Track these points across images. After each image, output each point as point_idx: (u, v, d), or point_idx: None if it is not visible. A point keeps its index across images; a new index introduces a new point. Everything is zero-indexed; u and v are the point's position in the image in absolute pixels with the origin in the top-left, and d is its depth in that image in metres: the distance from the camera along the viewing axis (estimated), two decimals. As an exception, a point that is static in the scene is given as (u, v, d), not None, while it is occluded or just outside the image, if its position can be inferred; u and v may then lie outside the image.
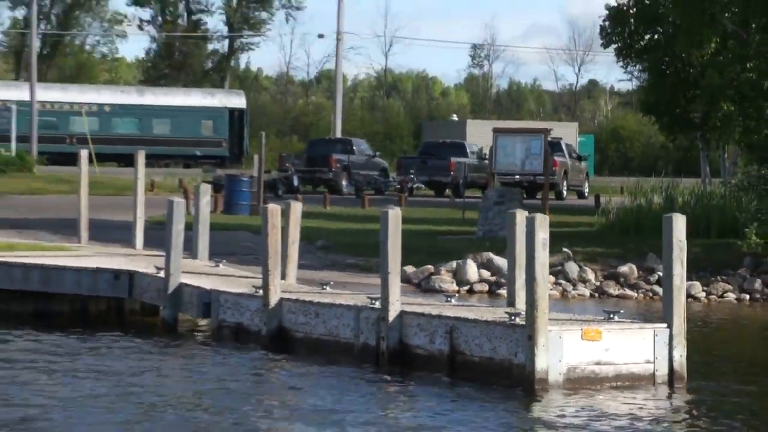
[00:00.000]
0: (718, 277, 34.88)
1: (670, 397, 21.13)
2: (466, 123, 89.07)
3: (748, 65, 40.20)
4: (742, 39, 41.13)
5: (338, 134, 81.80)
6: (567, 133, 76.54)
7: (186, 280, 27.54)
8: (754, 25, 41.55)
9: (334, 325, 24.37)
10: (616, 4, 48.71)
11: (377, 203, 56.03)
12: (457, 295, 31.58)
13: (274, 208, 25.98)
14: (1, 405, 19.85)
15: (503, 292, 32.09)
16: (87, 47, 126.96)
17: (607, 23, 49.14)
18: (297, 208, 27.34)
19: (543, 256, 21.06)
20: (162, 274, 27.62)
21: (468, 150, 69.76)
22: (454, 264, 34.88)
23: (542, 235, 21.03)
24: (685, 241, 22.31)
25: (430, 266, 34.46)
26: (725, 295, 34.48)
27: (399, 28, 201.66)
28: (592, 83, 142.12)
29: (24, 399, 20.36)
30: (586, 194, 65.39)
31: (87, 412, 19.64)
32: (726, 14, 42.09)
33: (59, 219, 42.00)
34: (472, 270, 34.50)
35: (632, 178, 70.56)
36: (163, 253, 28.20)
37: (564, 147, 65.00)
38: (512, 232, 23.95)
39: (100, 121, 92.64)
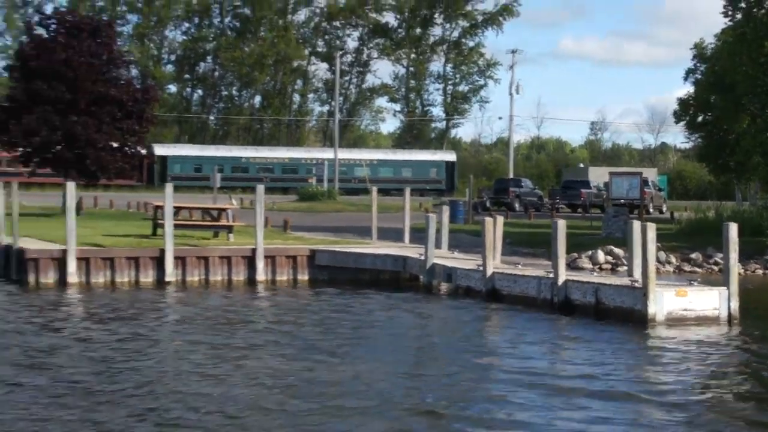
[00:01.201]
0: (751, 260, 34.39)
1: (728, 330, 21.19)
2: (588, 169, 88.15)
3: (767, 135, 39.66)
4: (764, 118, 40.46)
5: (511, 175, 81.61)
6: (650, 174, 75.51)
7: (436, 261, 27.74)
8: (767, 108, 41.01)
9: (524, 287, 24.65)
10: (684, 97, 48.11)
11: (537, 216, 56.21)
12: (596, 270, 31.88)
13: (488, 220, 26.39)
14: (351, 327, 20.78)
15: (620, 269, 32.32)
16: (362, 126, 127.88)
17: (678, 108, 48.50)
18: (500, 219, 27.73)
19: (652, 247, 21.36)
20: (422, 257, 27.85)
21: (591, 185, 69.37)
22: (589, 252, 34.73)
23: (651, 234, 21.43)
24: (736, 237, 22.40)
25: (574, 254, 34.16)
26: (756, 270, 34.18)
27: (546, 111, 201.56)
28: (664, 144, 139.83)
29: (356, 324, 21.25)
30: (664, 211, 64.34)
31: (392, 325, 20.80)
32: (752, 104, 41.48)
33: (355, 226, 42.30)
34: (600, 256, 34.36)
35: (691, 202, 69.98)
36: (422, 246, 28.42)
37: (650, 183, 64.37)
38: (631, 233, 24.19)
39: (371, 170, 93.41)
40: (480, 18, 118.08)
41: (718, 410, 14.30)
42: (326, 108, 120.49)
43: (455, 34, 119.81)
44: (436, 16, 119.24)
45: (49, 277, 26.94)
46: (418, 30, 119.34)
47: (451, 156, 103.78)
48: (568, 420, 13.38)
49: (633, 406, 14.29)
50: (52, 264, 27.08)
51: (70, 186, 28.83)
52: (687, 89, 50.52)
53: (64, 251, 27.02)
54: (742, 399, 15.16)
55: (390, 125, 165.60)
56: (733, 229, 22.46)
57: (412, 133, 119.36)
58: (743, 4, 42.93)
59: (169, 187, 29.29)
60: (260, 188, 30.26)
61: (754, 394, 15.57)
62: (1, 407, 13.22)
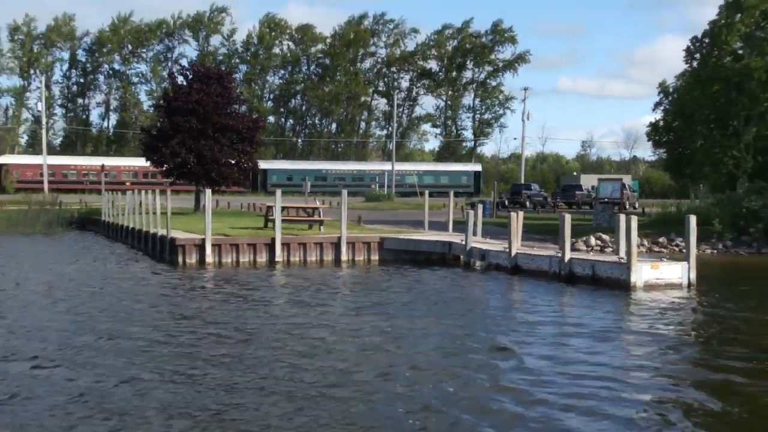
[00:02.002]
0: (702, 243, 34.01)
1: (689, 293, 21.29)
2: (580, 176, 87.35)
3: (716, 150, 39.50)
4: (712, 139, 40.33)
5: (523, 181, 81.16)
6: (627, 180, 74.54)
7: (473, 245, 27.86)
8: (714, 131, 40.73)
9: (539, 264, 24.76)
10: (653, 122, 47.92)
11: (543, 212, 56.36)
12: (589, 251, 32.01)
13: (513, 215, 26.29)
14: (415, 292, 20.89)
15: (607, 250, 32.19)
16: (411, 145, 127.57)
17: (649, 130, 48.32)
18: (521, 214, 27.45)
19: (634, 233, 21.60)
20: (463, 242, 28.02)
21: (582, 188, 68.99)
22: (584, 238, 34.79)
23: (634, 224, 21.64)
24: (695, 226, 22.63)
25: (573, 239, 33.76)
26: (705, 251, 33.83)
27: (549, 133, 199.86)
28: (635, 157, 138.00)
29: (419, 289, 21.16)
30: (637, 207, 63.59)
31: (445, 291, 20.50)
32: (704, 128, 41.29)
33: (409, 220, 42.54)
34: (592, 240, 34.41)
35: (656, 200, 69.39)
36: (462, 234, 28.67)
37: (627, 186, 63.55)
38: (618, 223, 24.14)
39: (418, 178, 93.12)
40: (501, 64, 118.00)
41: (679, 345, 14.76)
42: (384, 132, 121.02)
43: (482, 76, 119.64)
44: (468, 63, 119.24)
45: (192, 258, 27.58)
46: (454, 73, 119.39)
47: (477, 167, 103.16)
48: (561, 352, 13.92)
49: (612, 344, 14.73)
50: (194, 249, 27.78)
51: (208, 192, 29.45)
52: (655, 116, 50.53)
53: (203, 239, 27.69)
54: (696, 337, 15.69)
55: (432, 144, 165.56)
56: (693, 219, 22.79)
57: (449, 150, 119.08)
58: (698, 55, 43.14)
59: (278, 192, 29.84)
60: (344, 193, 30.47)
61: (705, 333, 16.08)
62: (163, 342, 14.13)
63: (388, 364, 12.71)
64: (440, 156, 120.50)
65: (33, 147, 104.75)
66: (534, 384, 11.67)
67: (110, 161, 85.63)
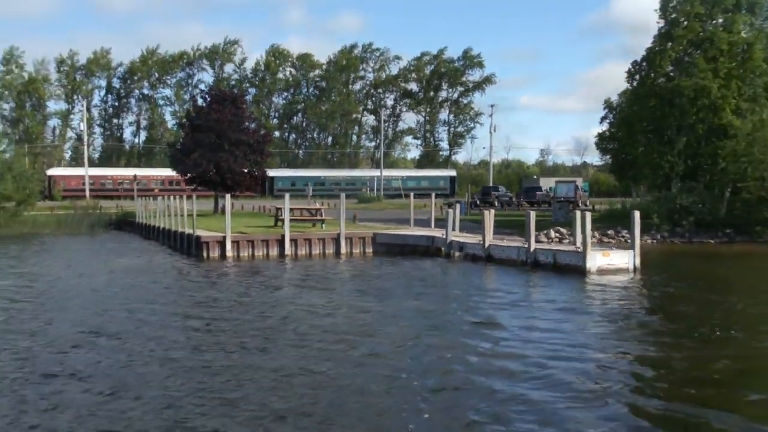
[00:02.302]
0: (643, 234, 34.10)
1: (634, 276, 21.32)
2: (540, 179, 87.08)
3: (654, 155, 39.57)
4: (650, 147, 40.39)
5: (491, 184, 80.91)
6: (579, 181, 74.31)
7: (453, 238, 27.76)
8: (652, 140, 40.71)
9: (509, 253, 24.72)
10: (600, 132, 47.96)
11: (510, 210, 56.13)
12: (549, 242, 32.00)
13: (486, 212, 26.36)
14: (405, 278, 20.92)
15: (564, 241, 31.90)
16: (396, 155, 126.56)
17: (597, 139, 48.40)
18: (492, 212, 27.33)
19: (588, 226, 21.66)
20: (444, 236, 27.95)
21: (542, 189, 68.74)
22: (545, 231, 34.55)
23: (588, 218, 21.69)
24: (639, 220, 22.68)
25: (536, 232, 33.94)
26: (646, 241, 33.64)
27: (511, 142, 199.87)
28: (585, 162, 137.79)
29: (408, 276, 21.21)
30: (588, 204, 63.53)
31: (429, 277, 20.53)
32: (643, 137, 41.25)
33: (396, 218, 42.25)
34: (552, 233, 34.21)
35: (604, 199, 69.37)
36: (443, 229, 28.72)
37: (579, 187, 63.56)
38: (575, 218, 24.10)
39: (402, 182, 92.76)
40: (471, 85, 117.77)
41: (632, 317, 14.92)
42: (373, 143, 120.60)
43: (455, 95, 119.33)
44: (443, 84, 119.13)
45: (215, 253, 27.47)
46: (432, 93, 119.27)
47: (452, 172, 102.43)
48: (537, 323, 14.06)
49: (577, 317, 14.89)
50: (217, 245, 27.68)
51: (228, 197, 29.41)
52: (602, 128, 50.07)
53: (224, 236, 27.60)
54: (645, 310, 15.77)
55: (413, 153, 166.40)
56: (637, 214, 22.89)
57: (428, 158, 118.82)
58: (637, 76, 43.34)
59: (287, 196, 29.75)
60: (342, 196, 30.47)
61: (652, 307, 16.17)
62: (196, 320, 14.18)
63: (397, 337, 12.83)
64: (420, 163, 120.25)
65: (76, 161, 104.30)
66: (519, 348, 11.90)
67: (141, 172, 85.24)
